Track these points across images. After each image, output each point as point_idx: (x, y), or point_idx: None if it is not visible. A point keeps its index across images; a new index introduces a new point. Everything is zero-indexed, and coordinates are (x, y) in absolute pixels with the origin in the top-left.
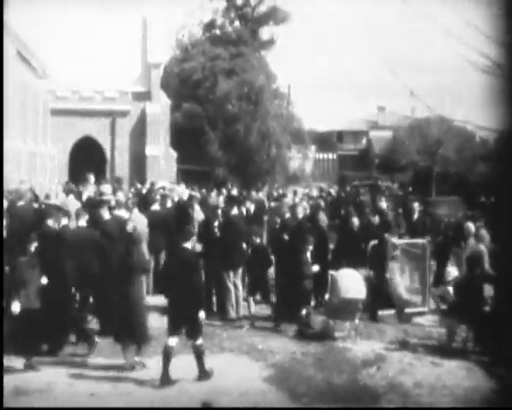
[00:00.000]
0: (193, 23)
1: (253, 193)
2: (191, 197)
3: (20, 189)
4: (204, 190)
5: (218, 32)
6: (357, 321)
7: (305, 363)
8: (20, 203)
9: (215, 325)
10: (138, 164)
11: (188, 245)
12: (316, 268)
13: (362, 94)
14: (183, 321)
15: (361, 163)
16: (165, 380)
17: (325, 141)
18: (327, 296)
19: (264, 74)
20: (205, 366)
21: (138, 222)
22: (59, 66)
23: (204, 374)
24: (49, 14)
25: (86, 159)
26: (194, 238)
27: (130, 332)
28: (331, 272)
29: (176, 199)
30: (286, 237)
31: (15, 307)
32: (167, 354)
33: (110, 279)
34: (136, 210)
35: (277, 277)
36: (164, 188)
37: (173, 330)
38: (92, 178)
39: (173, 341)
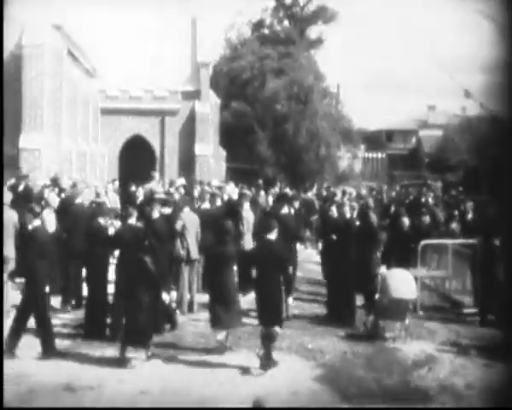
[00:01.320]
0: (242, 22)
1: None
2: (241, 196)
3: (75, 188)
4: (253, 189)
5: (266, 31)
6: (407, 321)
7: (355, 363)
8: (77, 201)
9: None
10: (188, 163)
11: (272, 236)
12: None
13: (412, 93)
14: (270, 308)
15: (410, 162)
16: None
17: (374, 140)
18: (377, 296)
19: (312, 74)
20: (271, 354)
21: (189, 221)
22: (109, 65)
23: (270, 362)
24: (99, 14)
25: (136, 158)
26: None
27: (226, 317)
28: (381, 271)
29: (226, 198)
30: (334, 237)
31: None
32: (273, 339)
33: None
34: (187, 209)
35: (327, 277)
36: (184, 186)
37: (268, 319)
38: (157, 175)
39: (277, 328)
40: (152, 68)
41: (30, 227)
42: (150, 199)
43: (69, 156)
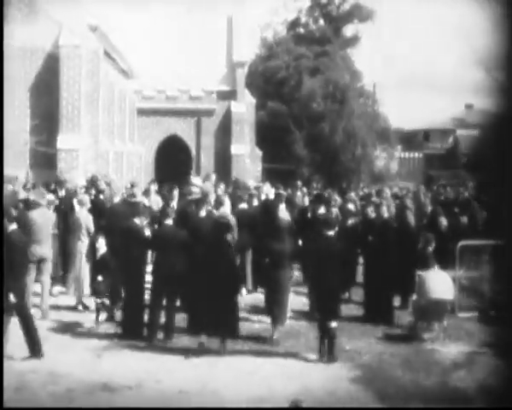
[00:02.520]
0: (277, 22)
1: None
2: (278, 196)
3: (112, 187)
4: (289, 190)
5: (302, 30)
6: (445, 322)
7: (392, 364)
8: (116, 201)
9: (301, 324)
10: (224, 163)
11: (331, 233)
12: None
13: (449, 91)
14: (329, 303)
15: (447, 162)
16: (333, 359)
17: (411, 140)
18: (414, 297)
19: (348, 73)
20: (334, 349)
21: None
22: (145, 66)
23: (332, 357)
24: (135, 14)
25: (172, 158)
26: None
27: (279, 311)
28: (419, 272)
29: (263, 197)
30: (370, 237)
31: None
32: (334, 336)
33: (199, 277)
34: (223, 208)
35: (366, 277)
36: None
37: (327, 313)
38: (214, 177)
39: (335, 323)
40: (188, 68)
41: (7, 232)
42: (199, 199)
43: (106, 157)
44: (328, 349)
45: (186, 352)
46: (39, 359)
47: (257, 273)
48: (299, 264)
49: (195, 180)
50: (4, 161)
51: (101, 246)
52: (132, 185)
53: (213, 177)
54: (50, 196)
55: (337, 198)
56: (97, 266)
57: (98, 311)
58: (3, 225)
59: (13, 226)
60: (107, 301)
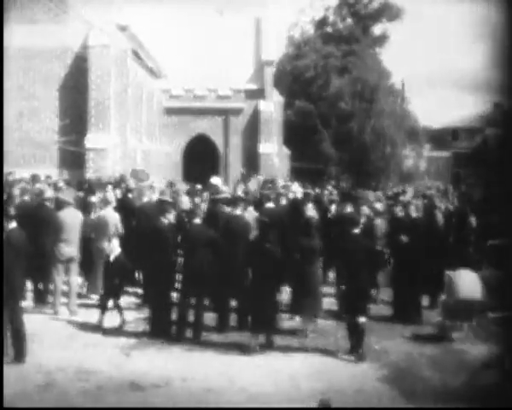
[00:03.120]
0: (305, 21)
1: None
2: (306, 195)
3: (141, 186)
4: (318, 189)
5: (329, 29)
6: (474, 322)
7: (420, 364)
8: (145, 200)
9: (330, 323)
10: (252, 162)
11: (356, 231)
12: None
13: (477, 90)
14: (358, 300)
15: (476, 161)
16: (363, 356)
17: (440, 138)
18: (443, 297)
19: (377, 71)
20: (363, 345)
21: (251, 220)
22: (173, 65)
23: (361, 353)
24: (163, 14)
25: (200, 157)
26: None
27: (312, 306)
28: (447, 271)
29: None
30: (403, 238)
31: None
32: (362, 331)
33: (227, 277)
34: (251, 208)
35: (394, 277)
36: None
37: (356, 309)
38: (261, 178)
39: (363, 318)
40: (216, 67)
41: (6, 231)
42: (235, 198)
43: (134, 156)
44: (356, 345)
45: (215, 350)
46: (22, 363)
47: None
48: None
49: (215, 180)
50: (35, 161)
51: (115, 247)
52: (172, 185)
53: (260, 178)
54: (110, 197)
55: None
56: (112, 267)
57: (104, 311)
58: (3, 226)
59: (12, 225)
60: (121, 303)
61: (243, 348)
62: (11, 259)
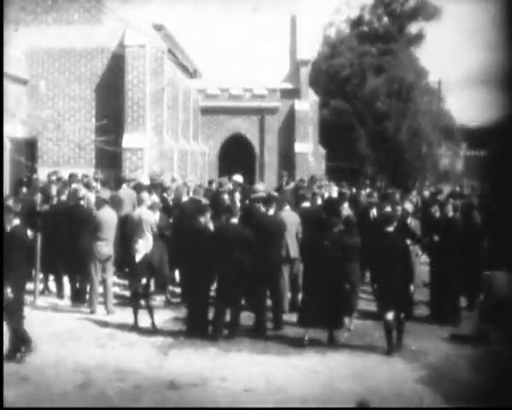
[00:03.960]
0: (340, 20)
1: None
2: (341, 194)
3: (180, 186)
4: (354, 188)
5: (365, 28)
6: None
7: (458, 365)
8: (184, 199)
9: (367, 324)
10: (287, 161)
11: (390, 229)
12: None
13: None
14: (395, 297)
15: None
16: (391, 350)
17: (477, 137)
18: (481, 298)
19: (413, 70)
20: (403, 340)
21: (289, 219)
22: (209, 64)
23: (399, 348)
24: (199, 12)
25: (236, 156)
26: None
27: (351, 303)
28: (486, 272)
29: (326, 196)
30: (436, 237)
31: None
32: (389, 328)
33: (263, 276)
34: (287, 207)
35: (431, 277)
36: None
37: (388, 305)
38: (325, 181)
39: (391, 315)
40: (252, 66)
41: (8, 227)
42: (268, 198)
43: (170, 155)
44: (396, 342)
45: (252, 350)
46: (19, 362)
47: None
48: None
49: (236, 177)
50: (72, 161)
51: (141, 248)
52: (210, 182)
53: (324, 181)
54: (145, 196)
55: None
56: (138, 267)
57: (136, 311)
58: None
59: (16, 222)
60: (150, 303)
61: (295, 343)
62: (18, 254)
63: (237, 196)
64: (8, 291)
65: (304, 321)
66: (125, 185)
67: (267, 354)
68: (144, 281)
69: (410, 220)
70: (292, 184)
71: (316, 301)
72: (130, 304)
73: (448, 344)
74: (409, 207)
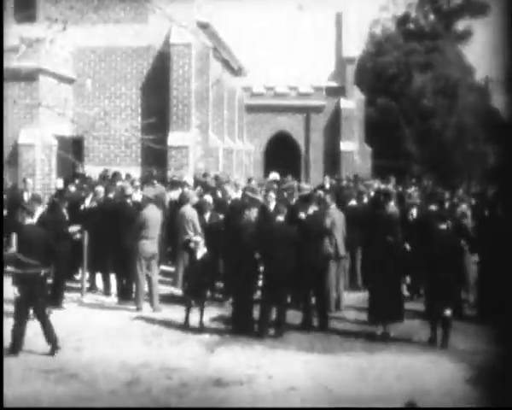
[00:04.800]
0: (386, 18)
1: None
2: (386, 193)
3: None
4: (400, 187)
5: (411, 26)
6: None
7: (508, 366)
8: (233, 197)
9: (414, 323)
10: (332, 159)
11: (443, 227)
12: None
13: None
14: (444, 294)
15: None
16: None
17: None
18: None
19: (460, 68)
20: (449, 337)
21: (336, 218)
22: (255, 63)
23: (445, 345)
24: (244, 11)
25: (281, 154)
26: None
27: (397, 305)
28: None
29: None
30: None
31: None
32: (448, 324)
33: (308, 275)
34: (333, 205)
35: (480, 277)
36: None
37: (444, 302)
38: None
39: (449, 311)
40: (297, 65)
41: (23, 224)
42: (306, 197)
43: (216, 154)
44: (442, 336)
45: (298, 348)
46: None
47: (366, 271)
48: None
49: (273, 175)
50: (118, 159)
51: (201, 245)
52: (249, 180)
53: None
54: (190, 194)
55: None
56: (199, 265)
57: (189, 308)
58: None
59: (29, 220)
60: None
61: (370, 337)
62: (25, 252)
63: (272, 194)
64: (15, 291)
65: (373, 317)
66: (155, 182)
67: (313, 353)
68: (204, 279)
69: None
70: (329, 183)
71: (383, 297)
72: (185, 301)
73: (497, 344)
74: (464, 208)
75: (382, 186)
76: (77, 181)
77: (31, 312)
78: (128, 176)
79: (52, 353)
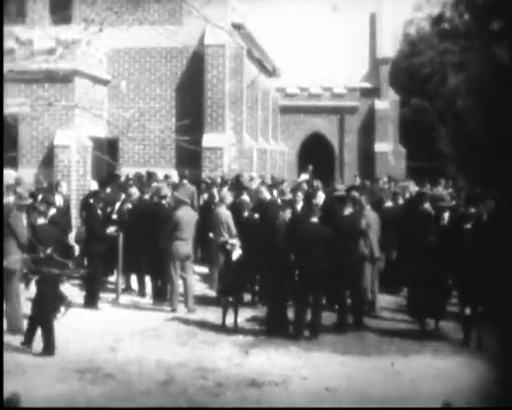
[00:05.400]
0: (420, 17)
1: None
2: (421, 194)
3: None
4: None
5: (446, 25)
6: None
7: None
8: (267, 198)
9: (449, 325)
10: (367, 161)
11: (469, 226)
12: None
13: None
14: (476, 293)
15: None
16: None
17: None
18: None
19: (495, 67)
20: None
21: (371, 219)
22: (288, 63)
23: (479, 346)
24: (277, 11)
25: (315, 155)
26: None
27: (440, 304)
28: None
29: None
30: None
31: None
32: (481, 325)
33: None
34: (368, 207)
35: None
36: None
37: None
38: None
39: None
40: (331, 65)
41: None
42: (341, 198)
43: (250, 155)
44: (476, 340)
45: (333, 350)
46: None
47: (402, 272)
48: None
49: (303, 176)
50: (152, 160)
51: (236, 247)
52: (283, 181)
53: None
54: (225, 195)
55: None
56: (234, 266)
57: (226, 309)
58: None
59: (41, 220)
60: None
61: (416, 333)
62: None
63: (300, 195)
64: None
65: (414, 313)
66: (185, 181)
67: (348, 354)
68: (239, 281)
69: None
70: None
71: (424, 294)
72: (221, 302)
73: None
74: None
75: (416, 188)
76: (119, 182)
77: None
78: (166, 177)
79: (44, 353)
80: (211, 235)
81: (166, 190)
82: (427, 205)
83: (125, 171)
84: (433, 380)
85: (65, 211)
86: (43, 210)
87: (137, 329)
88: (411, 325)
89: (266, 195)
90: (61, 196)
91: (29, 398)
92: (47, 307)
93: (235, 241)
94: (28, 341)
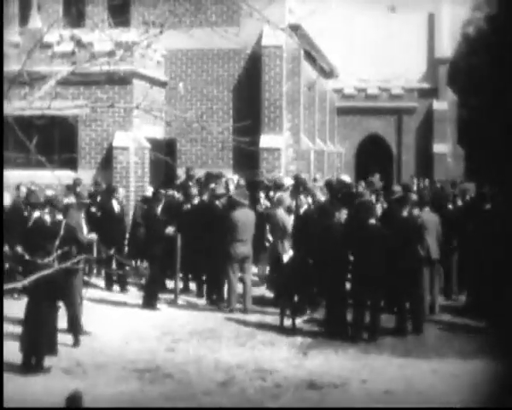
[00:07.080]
0: (479, 17)
1: None
2: (481, 195)
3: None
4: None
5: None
6: None
7: None
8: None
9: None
10: (425, 162)
11: None
12: None
13: None
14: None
15: None
16: None
17: None
18: None
19: None
20: None
21: (428, 220)
22: (346, 64)
23: None
24: (334, 12)
25: (372, 156)
26: None
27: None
28: None
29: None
30: None
31: None
32: None
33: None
34: (427, 208)
35: None
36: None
37: None
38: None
39: None
40: (388, 66)
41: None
42: (400, 199)
43: (307, 156)
44: None
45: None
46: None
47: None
48: None
49: (344, 177)
50: (210, 161)
51: (287, 249)
52: (315, 180)
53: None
54: (283, 197)
55: None
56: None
57: (283, 311)
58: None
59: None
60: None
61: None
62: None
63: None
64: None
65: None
66: (242, 182)
67: (407, 357)
68: (291, 283)
69: None
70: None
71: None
72: (277, 303)
73: None
74: None
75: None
76: (191, 183)
77: None
78: (231, 179)
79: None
80: (269, 236)
81: (222, 190)
82: (487, 207)
83: (183, 172)
84: (491, 383)
85: (121, 218)
86: (60, 207)
87: (196, 329)
88: (471, 327)
89: (320, 197)
90: (117, 201)
91: (90, 397)
92: None
93: (286, 244)
94: None
